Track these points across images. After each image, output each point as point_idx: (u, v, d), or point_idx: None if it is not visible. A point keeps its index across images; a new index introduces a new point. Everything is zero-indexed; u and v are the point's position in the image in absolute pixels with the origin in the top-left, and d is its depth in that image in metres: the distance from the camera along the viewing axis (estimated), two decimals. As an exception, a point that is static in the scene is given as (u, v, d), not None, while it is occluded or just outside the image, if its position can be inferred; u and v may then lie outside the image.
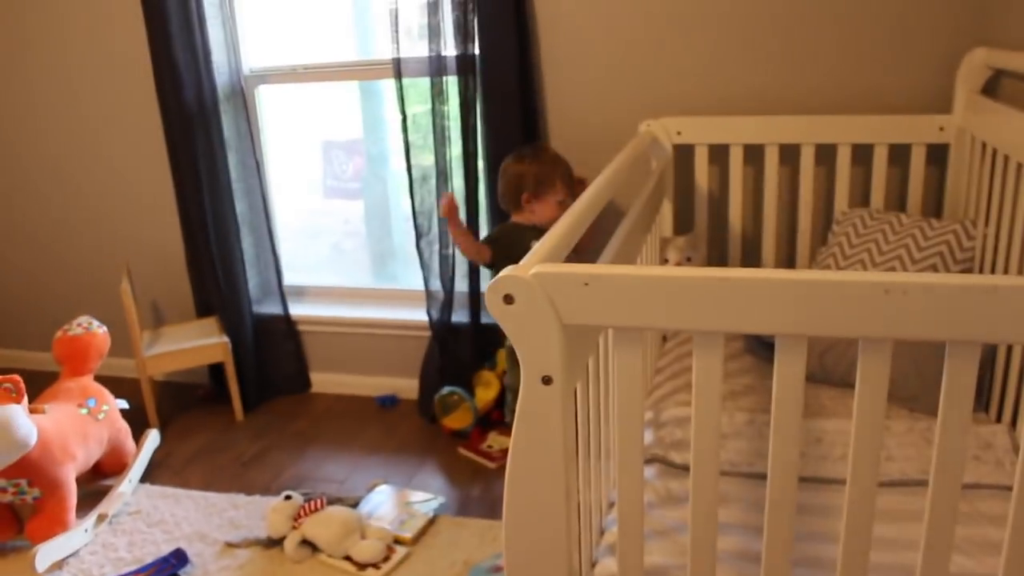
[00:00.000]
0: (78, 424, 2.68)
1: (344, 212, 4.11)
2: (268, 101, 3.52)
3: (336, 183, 4.41)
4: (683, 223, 2.89)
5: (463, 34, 2.89)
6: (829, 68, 2.70)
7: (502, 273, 1.26)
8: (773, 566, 1.31)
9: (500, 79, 2.89)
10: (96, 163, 3.63)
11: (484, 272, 3.18)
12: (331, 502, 2.61)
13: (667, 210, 2.81)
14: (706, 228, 2.83)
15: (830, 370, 2.35)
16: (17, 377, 2.48)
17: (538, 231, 2.70)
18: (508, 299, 1.26)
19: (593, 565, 1.71)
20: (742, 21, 2.73)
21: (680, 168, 2.83)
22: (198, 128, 3.25)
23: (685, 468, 1.98)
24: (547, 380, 1.28)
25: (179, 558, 2.49)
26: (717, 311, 1.19)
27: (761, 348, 2.56)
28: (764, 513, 1.29)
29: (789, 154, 2.73)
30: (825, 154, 2.70)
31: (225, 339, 3.30)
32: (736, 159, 2.73)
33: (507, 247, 2.75)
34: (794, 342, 1.19)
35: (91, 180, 3.66)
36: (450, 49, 2.95)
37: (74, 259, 3.82)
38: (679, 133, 2.77)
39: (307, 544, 2.49)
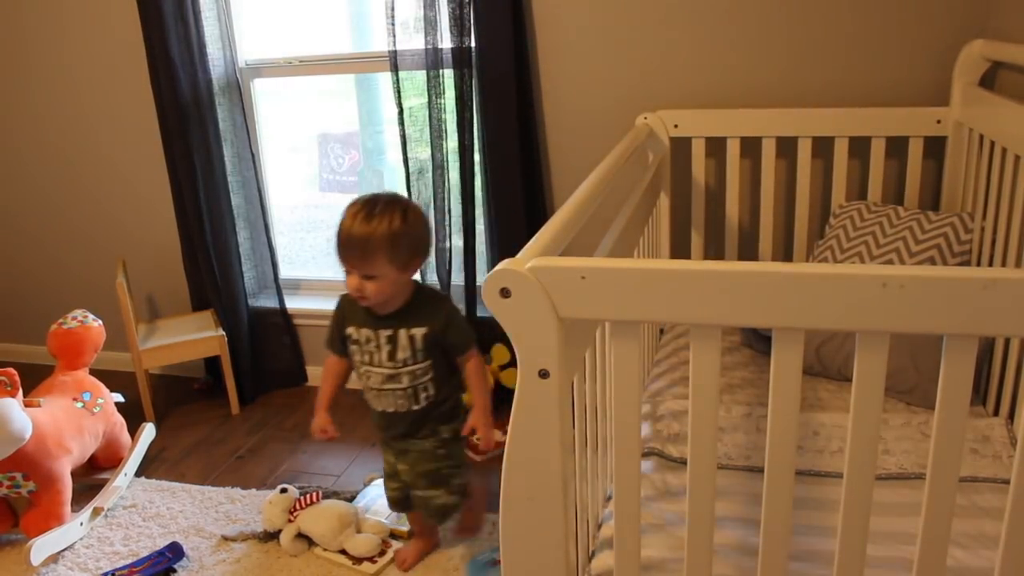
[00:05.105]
0: (73, 418, 2.67)
1: (340, 206, 4.10)
2: (264, 94, 3.50)
3: (332, 176, 4.40)
4: (680, 216, 2.88)
5: (459, 27, 2.88)
6: (826, 61, 2.69)
7: (499, 266, 1.26)
8: (770, 559, 1.31)
9: (496, 72, 2.88)
10: (91, 156, 3.62)
11: (481, 266, 3.17)
12: (327, 496, 2.61)
13: (664, 203, 2.81)
14: (703, 221, 2.83)
15: (827, 363, 2.35)
16: (12, 370, 2.48)
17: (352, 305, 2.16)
18: (505, 292, 1.25)
19: (591, 559, 1.71)
20: (739, 14, 2.73)
21: (677, 161, 2.82)
22: (193, 121, 3.24)
23: (682, 462, 1.98)
24: (544, 374, 1.28)
25: (175, 552, 2.49)
26: (714, 304, 1.19)
27: (759, 341, 2.56)
28: (761, 507, 1.29)
29: (786, 147, 2.72)
30: (822, 147, 2.69)
31: (221, 332, 3.29)
32: (733, 152, 2.73)
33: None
34: (791, 335, 1.19)
35: (86, 173, 3.65)
36: (446, 42, 2.93)
37: (69, 252, 3.80)
38: (676, 126, 2.76)
39: (303, 538, 2.49)
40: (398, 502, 2.38)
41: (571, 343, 1.32)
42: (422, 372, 2.13)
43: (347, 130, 4.24)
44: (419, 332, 2.09)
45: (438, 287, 3.17)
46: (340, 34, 3.58)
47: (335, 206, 3.99)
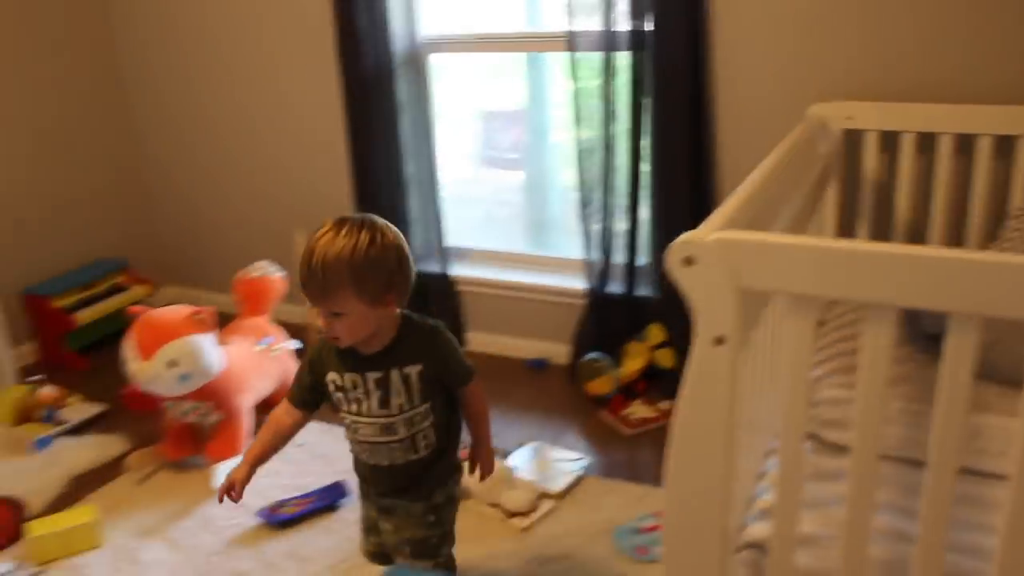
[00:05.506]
0: (256, 359, 2.91)
1: (498, 181, 4.21)
2: (440, 68, 3.65)
3: (493, 152, 4.52)
4: (847, 210, 2.86)
5: (636, 9, 2.94)
6: (1011, 54, 2.61)
7: (684, 236, 1.33)
8: (928, 550, 1.34)
9: (671, 56, 2.92)
10: (275, 119, 3.87)
11: (645, 245, 3.21)
12: (484, 452, 2.74)
13: (831, 195, 2.79)
14: (870, 216, 2.80)
15: (997, 366, 2.30)
16: (211, 309, 2.72)
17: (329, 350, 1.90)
18: (688, 261, 1.33)
19: (741, 530, 1.76)
20: (920, 3, 2.67)
21: (848, 153, 2.80)
22: (375, 91, 3.42)
23: (837, 447, 2.00)
24: (720, 341, 1.35)
25: (339, 489, 2.68)
26: (893, 285, 1.23)
27: (921, 339, 2.52)
28: (916, 496, 1.32)
29: (964, 145, 2.66)
30: (1004, 147, 2.61)
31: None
32: (907, 147, 2.69)
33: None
34: (967, 323, 1.21)
35: (270, 135, 3.91)
36: (623, 24, 2.99)
37: (252, 208, 4.08)
38: (850, 118, 2.74)
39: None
40: (376, 556, 2.13)
41: (747, 314, 1.38)
42: (421, 417, 1.88)
43: (512, 108, 4.34)
44: (414, 370, 1.83)
45: (599, 264, 3.25)
46: (513, 12, 3.69)
47: (493, 181, 4.11)
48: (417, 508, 1.96)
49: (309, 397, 1.94)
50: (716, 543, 1.49)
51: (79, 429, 3.25)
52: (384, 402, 1.84)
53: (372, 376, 1.83)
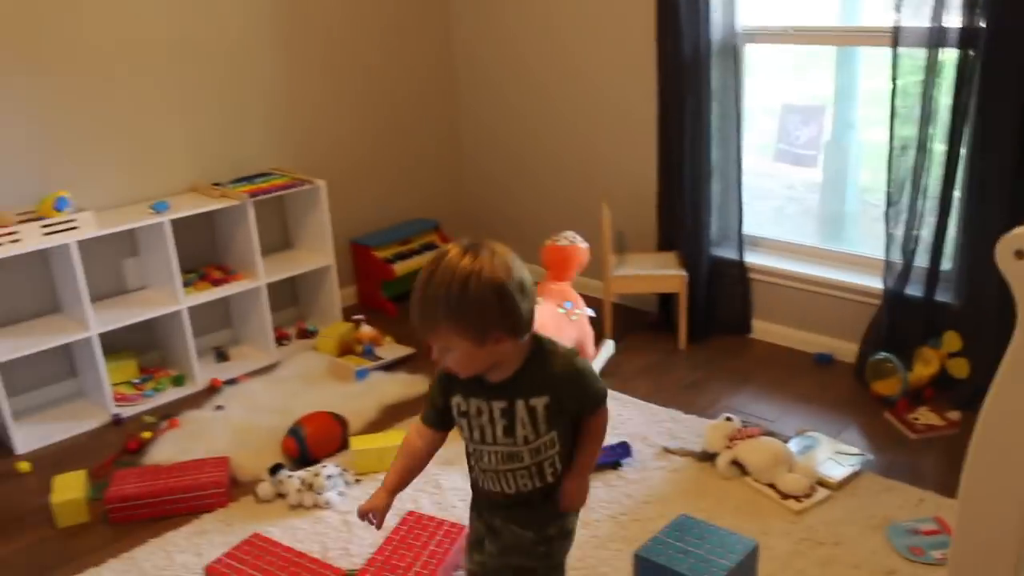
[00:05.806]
0: (557, 320, 3.14)
1: (790, 177, 4.21)
2: (753, 59, 3.70)
3: (788, 148, 4.51)
4: None
5: (970, 5, 2.84)
6: None
7: (1017, 230, 1.36)
8: None
9: (1004, 56, 2.80)
10: (589, 99, 4.08)
11: (948, 251, 3.14)
12: (765, 434, 2.81)
13: None
14: None
15: None
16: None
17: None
18: (1020, 254, 1.35)
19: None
20: None
21: None
22: (689, 77, 3.54)
23: None
24: (1044, 335, 1.36)
25: (624, 449, 2.85)
26: None
27: None
28: None
29: None
30: None
31: (684, 273, 3.60)
32: None
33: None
34: None
35: (583, 114, 4.13)
36: (953, 20, 2.90)
37: (559, 183, 4.33)
38: None
39: (737, 465, 2.72)
40: None
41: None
42: (547, 446, 1.74)
43: (811, 103, 4.29)
44: (540, 402, 1.69)
45: (899, 265, 3.19)
46: (826, 5, 3.67)
47: (784, 176, 4.10)
48: (527, 536, 1.82)
49: (442, 418, 1.82)
50: (1012, 548, 1.49)
51: (391, 366, 3.68)
52: (508, 431, 1.72)
53: (497, 405, 1.72)
